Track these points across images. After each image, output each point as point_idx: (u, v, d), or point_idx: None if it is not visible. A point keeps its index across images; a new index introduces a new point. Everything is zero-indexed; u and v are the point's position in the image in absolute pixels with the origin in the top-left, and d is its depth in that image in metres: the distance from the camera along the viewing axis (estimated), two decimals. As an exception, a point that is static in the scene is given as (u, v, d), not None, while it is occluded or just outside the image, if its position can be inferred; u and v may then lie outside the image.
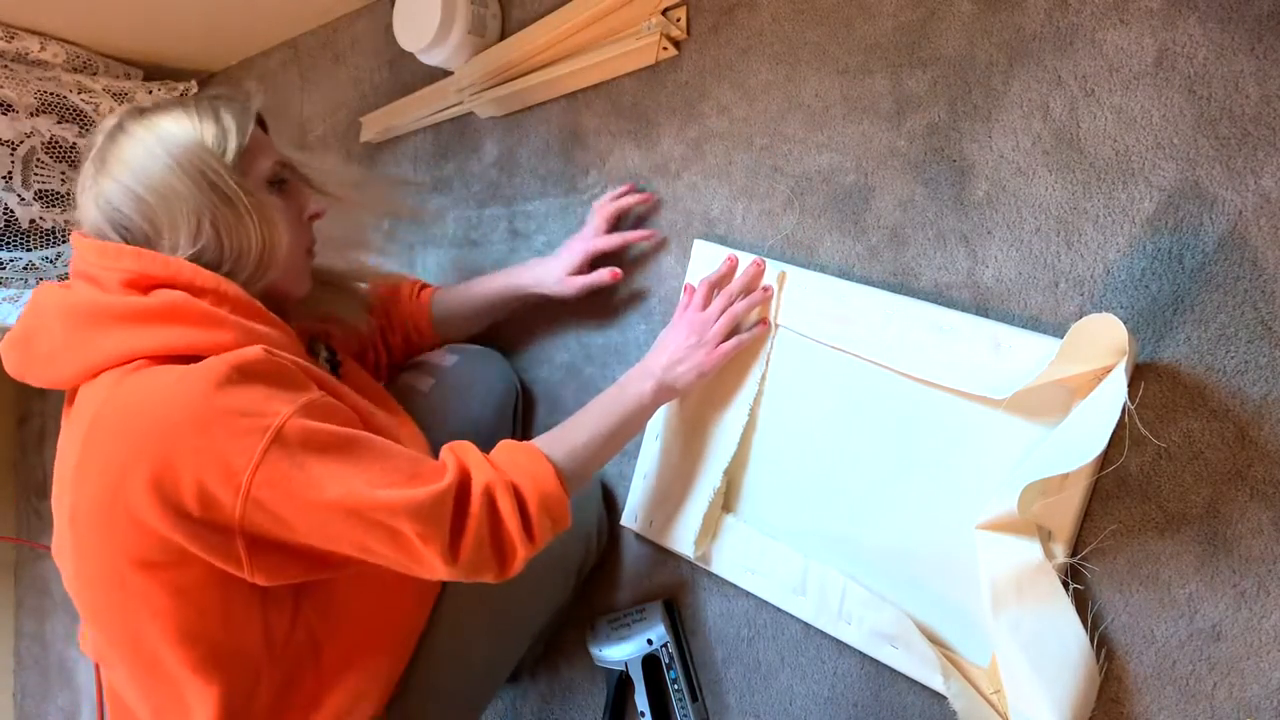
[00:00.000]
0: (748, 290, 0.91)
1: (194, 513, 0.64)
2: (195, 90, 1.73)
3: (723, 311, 0.90)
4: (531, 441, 0.80)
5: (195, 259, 0.73)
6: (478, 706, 0.96)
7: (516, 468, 0.75)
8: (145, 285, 0.71)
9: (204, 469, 0.63)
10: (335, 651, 0.78)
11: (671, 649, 0.96)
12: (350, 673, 0.80)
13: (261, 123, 0.85)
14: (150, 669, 0.71)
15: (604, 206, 1.04)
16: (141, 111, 0.75)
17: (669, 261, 1.04)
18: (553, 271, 1.03)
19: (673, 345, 0.89)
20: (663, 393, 0.87)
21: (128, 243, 0.73)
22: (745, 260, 0.93)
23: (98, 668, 0.84)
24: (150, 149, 0.72)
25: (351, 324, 0.99)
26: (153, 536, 0.65)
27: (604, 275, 1.02)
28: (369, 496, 0.65)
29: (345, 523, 0.66)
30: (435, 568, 0.69)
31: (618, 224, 1.06)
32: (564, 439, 0.81)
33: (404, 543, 0.68)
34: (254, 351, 0.68)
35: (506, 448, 0.78)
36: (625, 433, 0.86)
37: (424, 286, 1.12)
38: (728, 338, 0.89)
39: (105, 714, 0.80)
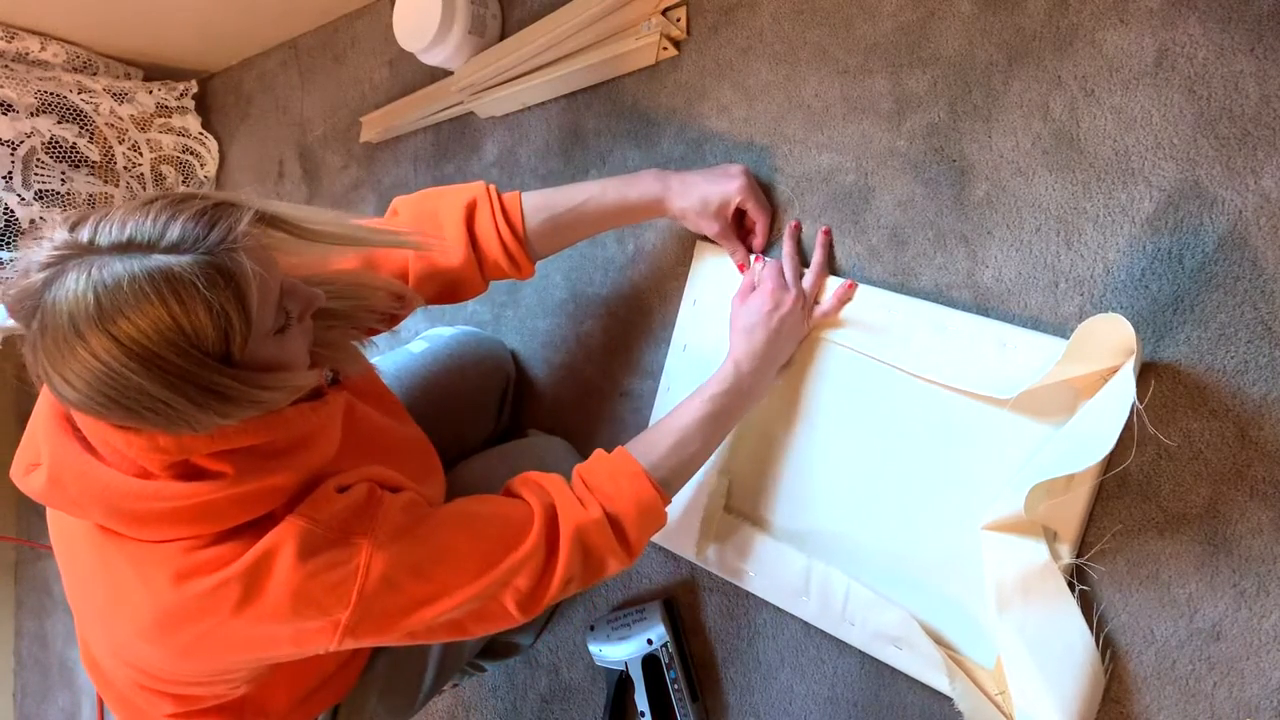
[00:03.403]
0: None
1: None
2: (195, 90, 1.73)
3: (794, 273, 0.88)
4: (624, 447, 0.80)
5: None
6: (445, 665, 0.99)
7: (610, 489, 0.76)
8: (189, 466, 0.63)
9: (299, 645, 0.67)
10: None
11: (671, 649, 0.96)
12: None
13: (261, 216, 0.63)
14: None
15: (757, 208, 0.92)
16: (102, 312, 0.53)
17: (670, 261, 1.04)
18: (706, 206, 0.89)
19: (754, 319, 0.85)
20: (760, 364, 0.84)
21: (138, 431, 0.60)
22: (730, 267, 0.93)
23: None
24: (135, 383, 0.54)
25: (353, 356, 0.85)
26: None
27: (740, 255, 0.94)
28: (476, 588, 0.69)
29: (456, 611, 0.69)
30: (510, 618, 0.73)
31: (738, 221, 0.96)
32: (657, 440, 0.80)
33: (494, 608, 0.72)
34: (292, 534, 0.64)
35: (598, 460, 0.79)
36: (724, 419, 0.83)
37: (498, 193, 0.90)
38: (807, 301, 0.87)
39: (105, 715, 0.81)
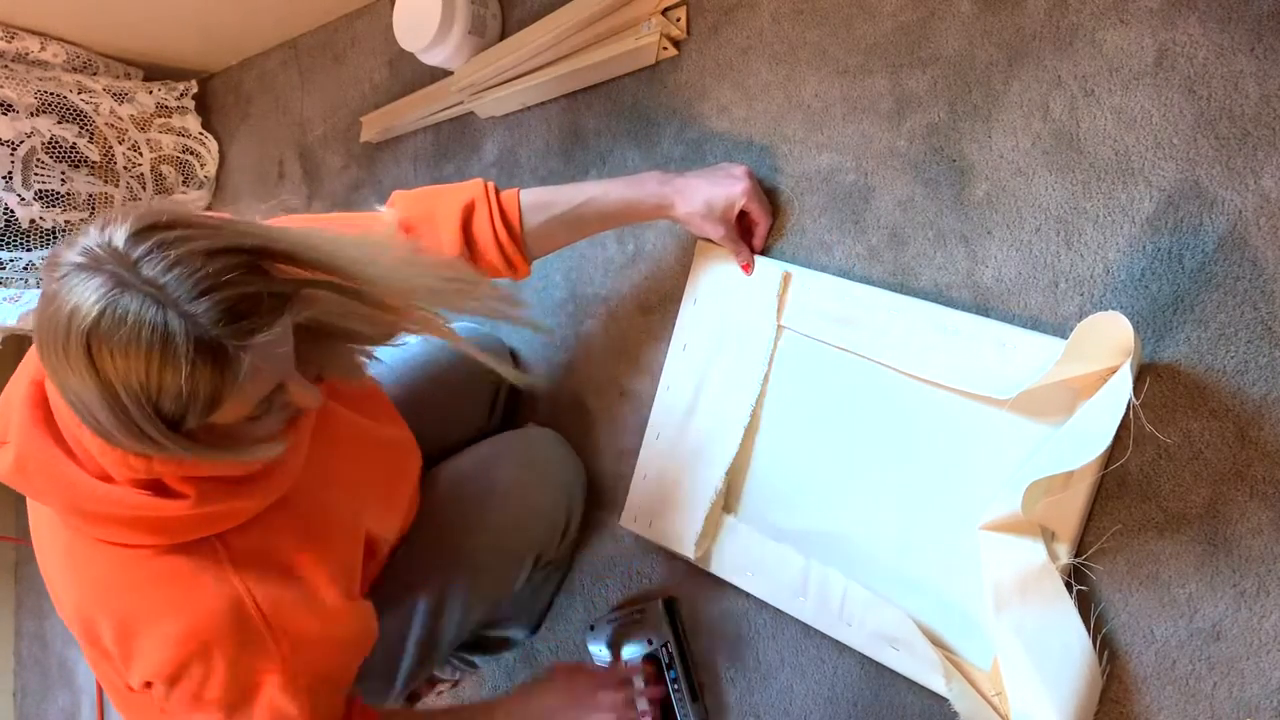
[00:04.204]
0: None
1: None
2: (195, 90, 1.73)
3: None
4: None
5: None
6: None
7: None
8: (156, 484, 0.63)
9: None
10: None
11: (671, 649, 0.96)
12: None
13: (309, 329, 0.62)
14: None
15: (760, 210, 0.92)
16: (100, 325, 0.53)
17: (670, 261, 1.04)
18: (710, 210, 0.89)
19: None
20: None
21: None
22: (735, 267, 0.93)
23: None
24: (96, 399, 0.55)
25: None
26: None
27: (744, 256, 0.93)
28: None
29: None
30: None
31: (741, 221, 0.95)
32: None
33: None
34: (221, 621, 0.66)
35: None
36: None
37: (497, 188, 0.89)
38: None
39: (105, 715, 0.81)
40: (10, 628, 2.30)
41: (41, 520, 0.71)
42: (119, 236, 0.54)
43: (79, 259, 0.53)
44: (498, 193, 0.87)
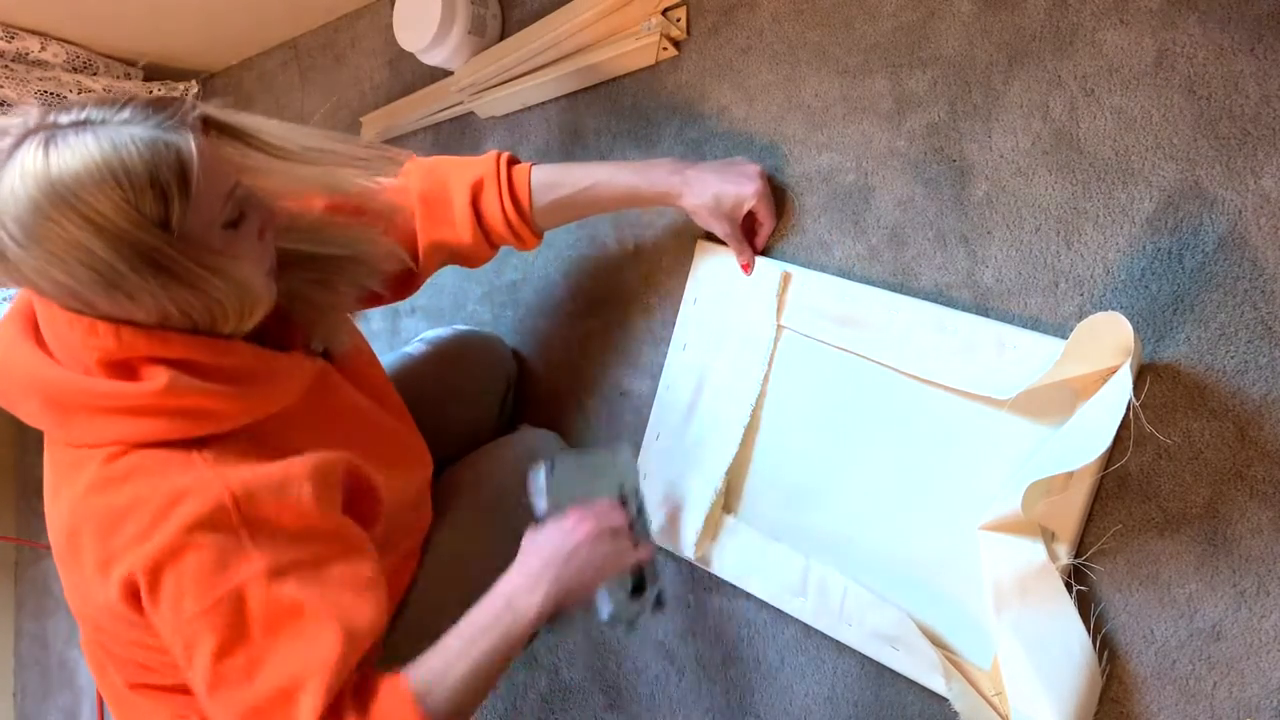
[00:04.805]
0: None
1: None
2: (196, 90, 1.73)
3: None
4: (407, 677, 0.67)
5: (164, 325, 0.64)
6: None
7: None
8: (125, 365, 0.64)
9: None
10: None
11: (628, 488, 0.88)
12: None
13: (214, 123, 0.66)
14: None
15: (767, 213, 0.92)
16: (49, 156, 0.57)
17: (670, 261, 1.04)
18: (719, 205, 0.88)
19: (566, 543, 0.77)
20: (554, 598, 0.74)
21: (81, 314, 0.63)
22: (735, 267, 0.93)
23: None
24: (73, 234, 0.57)
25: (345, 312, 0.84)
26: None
27: (746, 255, 0.93)
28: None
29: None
30: None
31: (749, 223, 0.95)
32: (444, 674, 0.68)
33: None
34: (218, 503, 0.63)
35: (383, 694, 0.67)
36: (510, 657, 0.73)
37: (511, 161, 0.91)
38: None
39: (105, 715, 0.81)
40: (10, 628, 2.30)
41: (47, 469, 0.71)
42: (19, 124, 0.59)
43: (5, 146, 0.58)
44: (510, 168, 0.89)
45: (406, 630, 0.86)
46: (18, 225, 0.57)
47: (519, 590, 0.74)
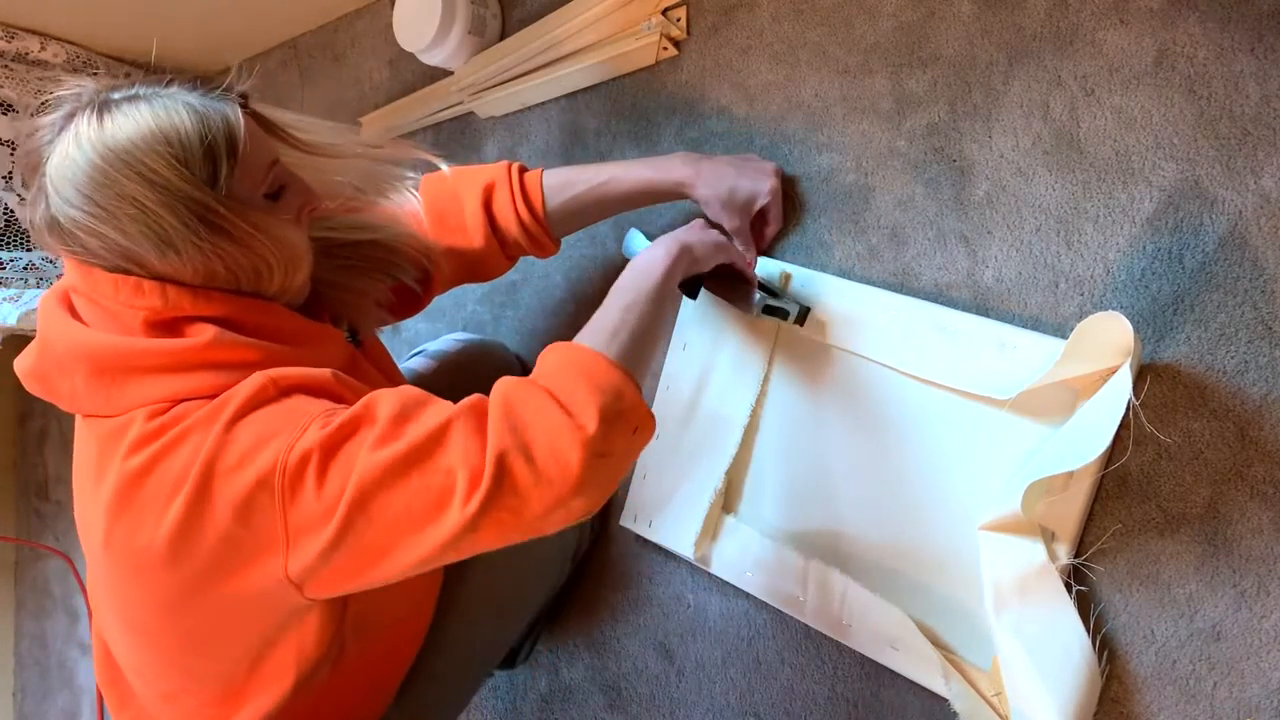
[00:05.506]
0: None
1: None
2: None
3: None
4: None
5: (209, 285, 0.66)
6: (474, 688, 0.97)
7: (552, 373, 0.63)
8: (170, 324, 0.65)
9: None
10: (355, 650, 0.77)
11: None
12: (364, 671, 0.79)
13: (251, 111, 0.69)
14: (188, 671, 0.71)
15: (777, 213, 0.92)
16: (104, 123, 0.61)
17: (669, 261, 1.04)
18: (731, 199, 0.89)
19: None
20: (681, 252, 0.76)
21: (128, 274, 0.65)
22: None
23: (106, 647, 0.81)
24: (128, 190, 0.60)
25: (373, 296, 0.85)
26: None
27: (751, 253, 0.93)
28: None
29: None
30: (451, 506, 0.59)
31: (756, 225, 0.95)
32: (597, 328, 0.69)
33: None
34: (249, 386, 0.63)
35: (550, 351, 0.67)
36: (660, 312, 0.73)
37: (522, 169, 0.92)
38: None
39: (105, 715, 0.80)
40: (10, 628, 2.30)
41: (84, 456, 0.69)
42: (75, 96, 0.64)
43: (58, 116, 0.64)
44: (522, 173, 0.89)
45: (440, 648, 0.87)
46: (73, 188, 0.61)
47: (639, 260, 0.76)
